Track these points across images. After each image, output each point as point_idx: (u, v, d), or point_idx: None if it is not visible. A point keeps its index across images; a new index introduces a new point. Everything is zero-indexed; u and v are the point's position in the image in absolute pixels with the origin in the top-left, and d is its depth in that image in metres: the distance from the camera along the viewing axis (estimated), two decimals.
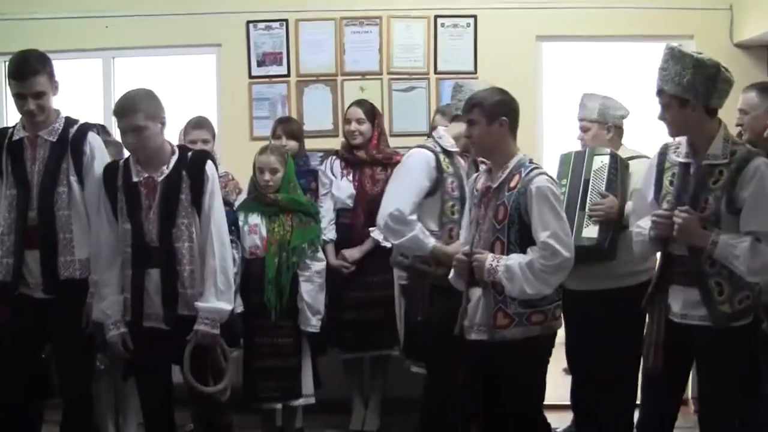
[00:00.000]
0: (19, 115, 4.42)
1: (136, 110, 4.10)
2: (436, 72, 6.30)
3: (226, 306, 4.22)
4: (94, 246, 4.30)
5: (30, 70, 4.26)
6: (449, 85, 6.11)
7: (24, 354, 4.39)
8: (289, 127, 5.68)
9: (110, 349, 4.33)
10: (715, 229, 3.72)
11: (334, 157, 5.65)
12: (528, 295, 3.94)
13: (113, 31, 6.48)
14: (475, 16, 6.27)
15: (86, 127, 4.49)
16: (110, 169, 4.26)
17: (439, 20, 6.28)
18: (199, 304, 4.15)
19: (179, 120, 5.58)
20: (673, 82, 3.76)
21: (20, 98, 4.26)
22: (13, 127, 4.41)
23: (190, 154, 4.31)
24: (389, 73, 6.31)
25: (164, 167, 4.19)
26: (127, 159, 4.27)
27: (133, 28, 6.47)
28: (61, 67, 6.53)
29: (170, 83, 6.59)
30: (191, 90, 6.60)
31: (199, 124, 5.44)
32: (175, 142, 5.34)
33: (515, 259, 3.96)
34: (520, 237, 3.99)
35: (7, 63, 4.39)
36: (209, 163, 4.29)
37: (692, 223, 3.73)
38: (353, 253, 5.46)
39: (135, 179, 4.17)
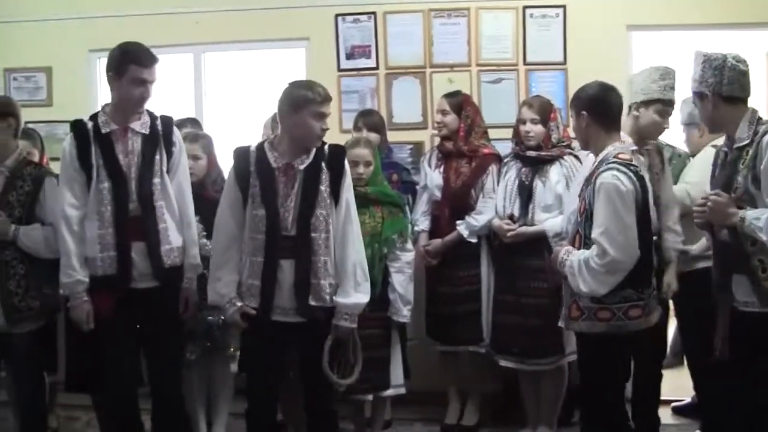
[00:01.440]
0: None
1: None
2: (525, 63, 6.25)
3: (364, 298, 4.26)
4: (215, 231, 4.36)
5: (155, 59, 4.37)
6: (538, 76, 6.17)
7: (128, 344, 4.48)
8: (371, 120, 5.69)
9: (229, 327, 4.46)
10: (747, 207, 3.74)
11: (433, 149, 5.68)
12: (584, 292, 3.96)
13: (204, 27, 6.59)
14: (564, 6, 6.21)
15: (170, 120, 4.57)
16: (242, 154, 4.26)
17: (528, 11, 6.23)
18: (339, 300, 4.18)
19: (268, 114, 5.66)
20: (693, 81, 3.97)
21: (141, 84, 4.28)
22: (94, 120, 4.39)
23: (327, 146, 4.30)
24: (478, 64, 6.28)
25: (304, 156, 4.20)
26: (261, 144, 4.28)
27: (223, 23, 6.56)
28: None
29: (259, 77, 6.68)
30: (280, 84, 6.62)
31: None
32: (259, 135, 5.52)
33: (577, 255, 3.99)
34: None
35: (122, 53, 4.38)
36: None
37: (720, 204, 3.77)
38: (436, 244, 5.48)
39: (273, 165, 4.18)
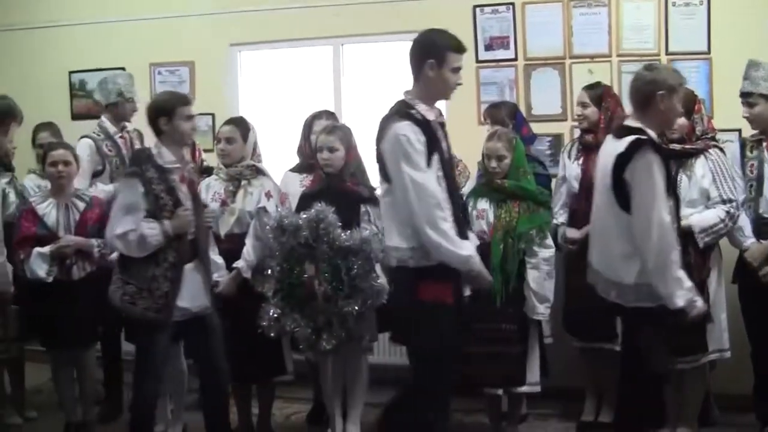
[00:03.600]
0: None
1: None
2: (667, 53, 6.09)
3: None
4: None
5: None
6: (681, 66, 6.01)
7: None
8: (495, 113, 5.65)
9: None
10: None
11: (575, 141, 5.63)
12: None
13: (342, 19, 6.66)
14: None
15: None
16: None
17: None
18: None
19: None
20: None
21: (457, 72, 4.30)
22: (411, 107, 4.27)
23: None
24: (619, 55, 6.16)
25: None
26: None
27: (362, 16, 6.62)
28: (293, 54, 6.85)
29: (398, 69, 6.69)
30: None
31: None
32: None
33: None
34: None
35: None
36: None
37: None
38: (573, 233, 5.41)
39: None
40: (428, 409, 4.23)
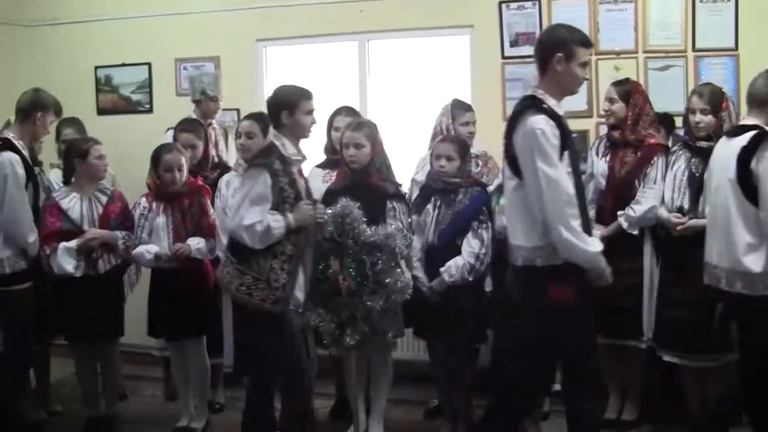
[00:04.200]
0: None
1: None
2: (694, 50, 6.06)
3: None
4: None
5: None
6: (708, 63, 6.00)
7: None
8: None
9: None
10: None
11: (603, 137, 5.59)
12: None
13: (368, 15, 6.66)
14: None
15: None
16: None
17: None
18: None
19: (437, 102, 5.68)
20: None
21: (584, 67, 4.27)
22: (543, 102, 4.20)
23: None
24: (645, 51, 6.13)
25: None
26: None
27: (387, 12, 6.61)
28: (318, 50, 6.85)
29: (423, 65, 6.71)
30: (444, 72, 6.67)
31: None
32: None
33: None
34: None
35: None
36: None
37: None
38: (598, 232, 5.36)
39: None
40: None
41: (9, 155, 5.15)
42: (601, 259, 4.12)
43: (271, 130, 4.79)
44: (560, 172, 4.02)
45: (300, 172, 4.72)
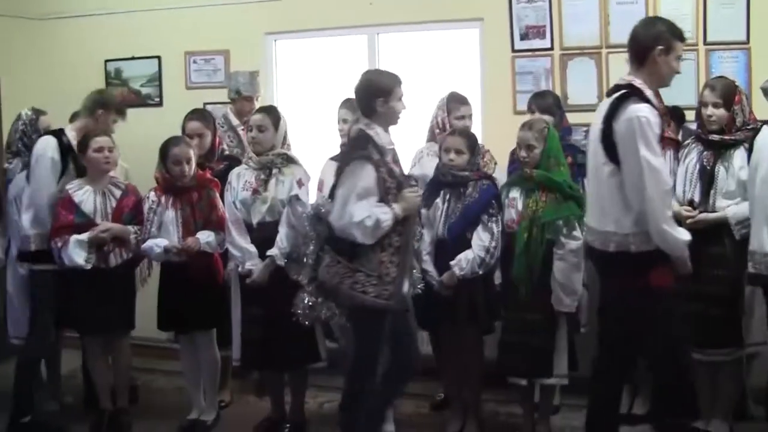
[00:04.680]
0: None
1: None
2: (705, 43, 6.00)
3: None
4: None
5: None
6: (719, 56, 5.97)
7: None
8: (543, 102, 5.58)
9: None
10: None
11: None
12: None
13: (377, 8, 6.64)
14: None
15: None
16: None
17: None
18: None
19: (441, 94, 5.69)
20: None
21: (678, 60, 4.35)
22: (643, 92, 4.28)
23: None
24: None
25: None
26: None
27: (397, 5, 6.59)
28: (328, 43, 6.85)
29: (433, 58, 6.70)
30: (454, 65, 6.65)
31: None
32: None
33: None
34: None
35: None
36: None
37: None
38: None
39: None
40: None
41: (48, 139, 5.43)
42: (686, 248, 4.20)
43: (361, 119, 4.68)
44: (662, 161, 4.15)
45: (394, 159, 4.64)
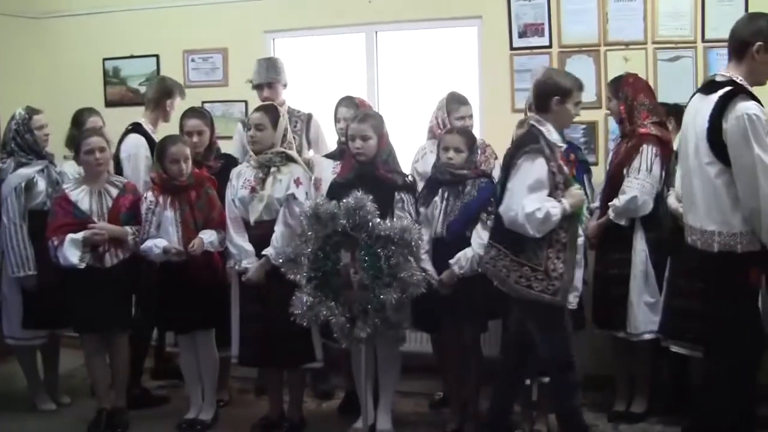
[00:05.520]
0: None
1: None
2: (703, 40, 6.01)
3: None
4: None
5: None
6: (717, 54, 5.95)
7: None
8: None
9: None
10: None
11: None
12: None
13: (376, 6, 6.64)
14: None
15: None
16: None
17: None
18: None
19: (446, 93, 5.67)
20: None
21: None
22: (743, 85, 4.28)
23: None
24: (654, 42, 6.08)
25: None
26: None
27: (395, 3, 6.60)
28: (326, 41, 6.85)
29: (432, 56, 6.69)
30: (453, 63, 6.65)
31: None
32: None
33: None
34: None
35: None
36: None
37: None
38: (591, 224, 5.33)
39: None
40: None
41: (137, 138, 5.85)
42: None
43: (532, 115, 4.70)
44: None
45: (563, 157, 4.62)
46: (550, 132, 4.50)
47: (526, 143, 4.49)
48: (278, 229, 5.15)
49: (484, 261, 4.68)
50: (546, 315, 4.49)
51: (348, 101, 5.75)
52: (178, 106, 5.98)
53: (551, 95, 4.51)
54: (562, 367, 4.55)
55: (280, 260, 5.00)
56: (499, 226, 4.55)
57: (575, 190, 4.50)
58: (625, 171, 5.23)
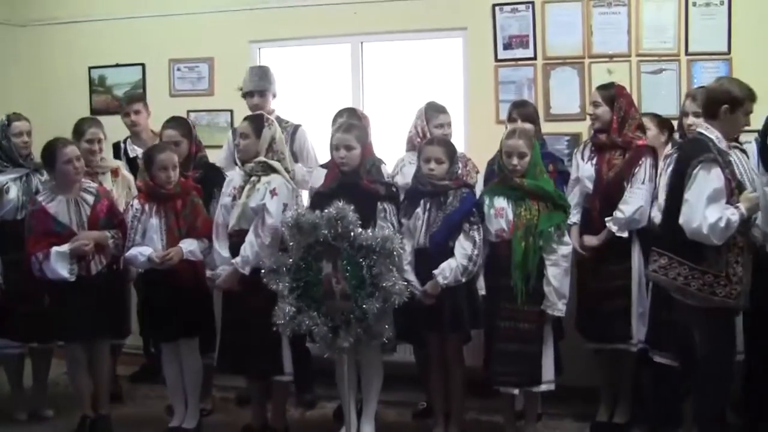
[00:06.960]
0: None
1: None
2: (687, 53, 6.06)
3: None
4: None
5: None
6: (701, 67, 6.00)
7: None
8: (525, 111, 5.58)
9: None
10: None
11: (587, 141, 5.57)
12: None
13: (361, 17, 6.67)
14: None
15: None
16: None
17: None
18: None
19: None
20: None
21: None
22: None
23: None
24: (638, 55, 6.13)
25: None
26: None
27: (381, 14, 6.63)
28: (311, 52, 6.86)
29: (417, 67, 6.72)
30: (438, 74, 6.69)
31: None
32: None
33: None
34: None
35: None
36: None
37: None
38: (591, 241, 5.37)
39: None
40: None
41: None
42: None
43: (701, 122, 4.69)
44: None
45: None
46: (720, 140, 4.50)
47: (698, 153, 4.48)
48: (248, 238, 5.14)
49: (651, 270, 4.67)
50: (718, 324, 4.51)
51: (350, 112, 5.76)
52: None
53: (721, 103, 4.50)
54: (724, 377, 4.56)
55: (246, 269, 5.02)
56: (670, 234, 4.55)
57: (750, 194, 4.51)
58: (624, 182, 5.26)
